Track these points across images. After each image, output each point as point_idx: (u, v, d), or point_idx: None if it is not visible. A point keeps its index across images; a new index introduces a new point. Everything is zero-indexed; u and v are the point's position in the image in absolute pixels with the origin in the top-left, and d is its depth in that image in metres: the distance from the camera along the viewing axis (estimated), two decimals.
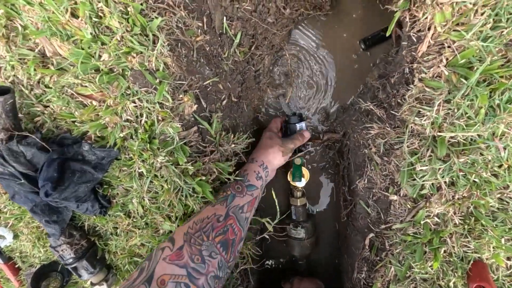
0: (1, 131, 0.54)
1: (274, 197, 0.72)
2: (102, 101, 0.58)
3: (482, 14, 0.45)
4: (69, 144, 0.59)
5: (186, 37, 0.61)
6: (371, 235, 0.78)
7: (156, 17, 0.51)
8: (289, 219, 0.97)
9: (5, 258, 0.79)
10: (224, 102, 0.77)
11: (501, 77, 0.46)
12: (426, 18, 0.49)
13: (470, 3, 0.44)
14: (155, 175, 0.64)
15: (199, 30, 0.64)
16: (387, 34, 0.54)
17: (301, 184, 0.89)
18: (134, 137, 0.60)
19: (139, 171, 0.64)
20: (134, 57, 0.52)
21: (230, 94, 0.79)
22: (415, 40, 0.54)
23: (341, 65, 0.90)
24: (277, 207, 0.68)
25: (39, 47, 0.55)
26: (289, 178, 0.90)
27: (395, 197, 0.69)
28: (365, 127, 0.75)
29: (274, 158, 0.76)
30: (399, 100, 0.62)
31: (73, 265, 0.69)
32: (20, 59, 0.54)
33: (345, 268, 0.99)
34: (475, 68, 0.47)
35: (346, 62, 0.90)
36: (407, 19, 0.51)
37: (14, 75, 0.56)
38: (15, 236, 0.76)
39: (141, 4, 0.50)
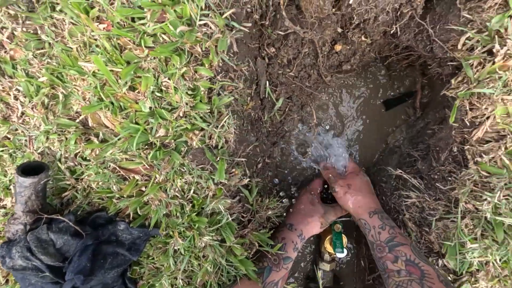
0: (27, 214, 0.45)
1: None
2: (146, 175, 0.52)
3: None
4: (103, 224, 0.51)
5: (239, 107, 0.58)
6: None
7: (224, 94, 0.48)
8: (313, 283, 0.91)
9: None
10: (260, 165, 0.73)
11: None
12: (487, 109, 0.51)
13: None
14: (195, 254, 0.57)
15: (249, 98, 0.61)
16: (451, 122, 0.55)
17: (342, 255, 0.80)
18: (179, 214, 0.53)
19: (175, 248, 0.57)
20: (196, 135, 0.48)
21: (265, 156, 0.76)
22: (468, 124, 0.56)
23: (363, 124, 0.92)
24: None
25: (80, 117, 0.48)
26: (327, 245, 0.83)
27: None
28: (399, 193, 0.75)
29: (313, 228, 0.71)
30: (445, 175, 0.63)
31: None
32: (59, 130, 0.47)
33: None
34: None
35: (368, 121, 0.91)
36: (467, 107, 0.53)
37: (47, 147, 0.48)
38: None
39: (209, 80, 0.47)
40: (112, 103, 0.46)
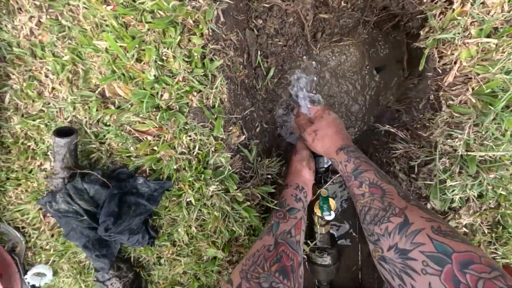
0: (64, 169, 0.56)
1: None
2: (157, 136, 0.61)
3: (503, 52, 0.52)
4: (125, 179, 0.61)
5: (232, 73, 0.66)
6: None
7: (216, 59, 0.56)
8: (313, 246, 0.99)
9: None
10: (258, 129, 0.81)
11: None
12: (453, 54, 0.57)
13: (494, 44, 0.52)
14: (204, 204, 0.66)
15: (241, 66, 0.69)
16: (420, 68, 0.61)
17: (330, 217, 0.89)
18: (187, 168, 0.63)
19: (188, 200, 0.66)
20: (194, 96, 0.56)
21: (262, 121, 0.84)
22: (440, 71, 0.62)
23: (356, 90, 0.97)
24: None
25: (99, 89, 0.58)
26: (316, 210, 0.91)
27: None
28: (389, 147, 0.81)
29: (304, 175, 0.78)
30: (426, 123, 0.69)
31: None
32: (82, 100, 0.57)
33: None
34: (499, 96, 0.55)
35: (360, 87, 0.97)
36: (435, 55, 0.59)
37: (74, 115, 0.58)
38: (55, 273, 0.75)
39: (202, 48, 0.55)
40: (123, 74, 0.55)
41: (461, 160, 0.63)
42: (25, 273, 0.72)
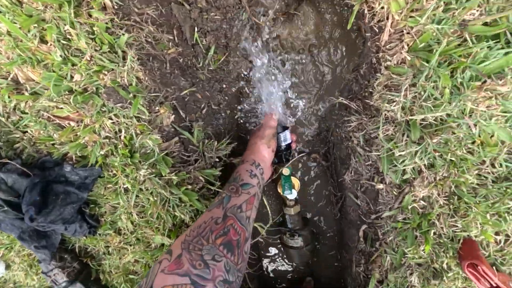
0: None
1: (266, 203, 0.72)
2: (80, 121, 0.59)
3: None
4: (51, 167, 0.59)
5: (157, 51, 0.62)
6: (364, 226, 0.79)
7: (123, 34, 0.52)
8: (285, 228, 0.96)
9: None
10: (204, 110, 0.78)
11: (460, 56, 0.48)
12: (383, 8, 0.51)
13: None
14: (140, 189, 0.64)
15: (170, 43, 0.65)
16: (348, 27, 0.55)
17: (292, 196, 0.87)
18: (115, 153, 0.60)
19: (124, 186, 0.64)
20: (105, 75, 0.53)
21: (210, 102, 0.80)
22: (377, 30, 0.56)
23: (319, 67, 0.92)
24: (269, 211, 0.68)
25: (11, 75, 0.56)
26: (279, 190, 0.89)
27: (381, 186, 0.70)
28: (345, 120, 0.76)
29: (261, 152, 0.75)
30: (371, 90, 0.63)
31: None
32: None
33: (344, 265, 0.99)
34: (435, 50, 0.49)
35: (322, 64, 0.91)
36: (366, 11, 0.53)
37: None
38: (7, 267, 0.75)
39: (106, 23, 0.51)
40: (30, 57, 0.53)
41: (406, 126, 0.58)
42: None
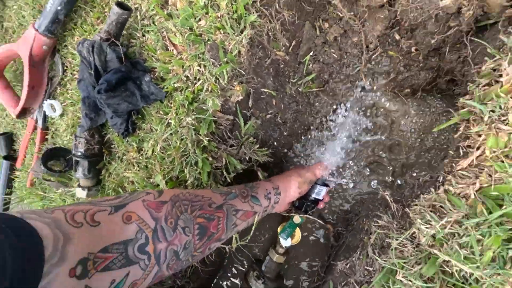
0: (105, 32, 0.69)
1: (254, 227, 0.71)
2: (180, 53, 0.69)
3: None
4: (138, 69, 0.71)
5: (269, 46, 0.69)
6: None
7: (253, 14, 0.60)
8: (257, 266, 0.92)
9: (45, 125, 0.94)
10: (268, 116, 0.82)
11: None
12: (480, 136, 0.48)
13: None
14: (177, 131, 0.71)
15: (283, 48, 0.72)
16: (434, 130, 0.52)
17: (285, 243, 0.84)
18: (182, 91, 0.69)
19: (169, 120, 0.72)
20: (220, 34, 0.62)
21: (278, 114, 0.84)
22: (461, 152, 0.52)
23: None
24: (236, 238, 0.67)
25: None
26: (279, 229, 0.86)
27: None
28: (377, 214, 0.71)
29: (290, 187, 0.73)
30: (416, 202, 0.58)
31: (77, 159, 0.79)
32: None
33: None
34: (504, 206, 0.43)
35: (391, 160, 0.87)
36: (462, 128, 0.50)
37: (139, 4, 0.71)
38: (61, 115, 0.91)
39: (248, 1, 0.60)
40: None
41: (425, 257, 0.51)
42: (46, 99, 0.90)
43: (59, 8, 0.78)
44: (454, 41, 0.58)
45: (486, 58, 0.51)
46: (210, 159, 0.72)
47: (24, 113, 0.94)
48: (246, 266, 1.01)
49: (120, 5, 0.67)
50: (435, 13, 0.55)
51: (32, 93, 0.87)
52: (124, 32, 0.73)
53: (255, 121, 0.78)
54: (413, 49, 0.68)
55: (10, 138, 1.08)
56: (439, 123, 0.75)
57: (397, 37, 0.66)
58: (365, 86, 0.82)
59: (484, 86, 0.47)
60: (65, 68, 0.89)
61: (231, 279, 1.04)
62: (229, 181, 0.75)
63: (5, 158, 1.08)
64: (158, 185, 0.77)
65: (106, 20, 0.69)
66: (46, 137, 0.95)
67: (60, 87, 0.90)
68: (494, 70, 0.46)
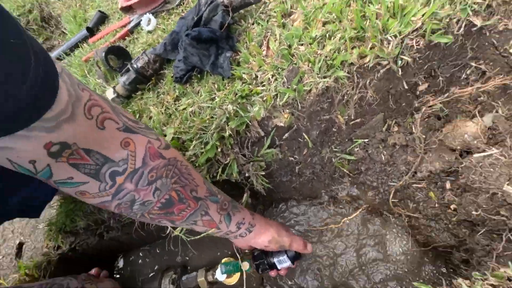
0: (229, 0, 0.75)
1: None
2: (267, 56, 0.73)
3: None
4: (227, 43, 0.76)
5: (336, 105, 0.70)
6: None
7: (344, 72, 0.62)
8: (181, 272, 0.92)
9: (132, 29, 1.03)
10: (291, 159, 0.82)
11: None
12: None
13: None
14: (215, 108, 0.73)
15: (346, 117, 0.73)
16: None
17: (220, 277, 0.81)
18: (243, 84, 0.72)
19: (216, 96, 0.75)
20: (307, 66, 0.65)
21: (300, 163, 0.83)
22: None
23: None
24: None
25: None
26: (224, 260, 0.85)
27: None
28: None
29: (263, 234, 0.71)
30: None
31: (130, 68, 0.85)
32: None
33: None
34: None
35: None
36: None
37: (269, 1, 0.78)
38: (150, 32, 0.99)
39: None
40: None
41: None
42: (149, 13, 0.99)
43: None
44: (493, 229, 0.54)
45: None
46: (219, 150, 0.73)
47: (128, 10, 1.04)
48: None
49: None
50: (493, 191, 0.52)
51: (145, 1, 0.97)
52: (242, 11, 0.80)
53: (277, 153, 0.78)
54: (452, 206, 0.64)
55: (103, 18, 1.20)
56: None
57: (448, 186, 0.63)
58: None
59: (489, 285, 0.43)
60: (181, 3, 0.98)
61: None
62: (218, 178, 0.75)
63: (87, 28, 1.19)
64: (165, 136, 0.79)
65: None
66: (126, 37, 1.04)
67: (166, 12, 1.00)
68: (509, 280, 0.42)
